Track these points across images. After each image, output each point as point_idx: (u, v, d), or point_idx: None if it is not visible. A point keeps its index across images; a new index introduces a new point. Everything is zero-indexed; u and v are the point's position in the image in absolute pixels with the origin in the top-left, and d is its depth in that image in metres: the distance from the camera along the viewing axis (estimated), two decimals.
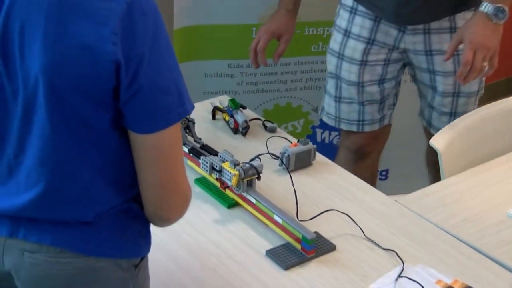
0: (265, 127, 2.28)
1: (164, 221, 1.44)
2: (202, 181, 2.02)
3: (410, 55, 2.48)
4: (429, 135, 2.43)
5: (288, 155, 2.08)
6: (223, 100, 2.34)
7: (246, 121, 2.23)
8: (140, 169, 1.36)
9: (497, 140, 2.34)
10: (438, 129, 2.40)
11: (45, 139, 1.33)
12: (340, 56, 2.53)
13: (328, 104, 2.63)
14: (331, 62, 2.58)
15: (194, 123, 2.11)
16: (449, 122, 2.42)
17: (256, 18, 2.92)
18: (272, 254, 1.79)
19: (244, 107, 2.29)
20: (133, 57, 1.28)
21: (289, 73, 3.05)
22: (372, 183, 2.65)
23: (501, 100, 2.45)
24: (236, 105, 2.26)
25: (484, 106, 2.38)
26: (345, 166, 2.47)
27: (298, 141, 2.13)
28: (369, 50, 2.48)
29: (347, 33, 2.51)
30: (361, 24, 2.47)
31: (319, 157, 2.17)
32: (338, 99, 2.59)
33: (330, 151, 2.62)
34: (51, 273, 1.39)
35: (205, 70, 2.98)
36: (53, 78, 1.29)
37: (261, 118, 2.32)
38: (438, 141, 2.21)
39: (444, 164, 2.18)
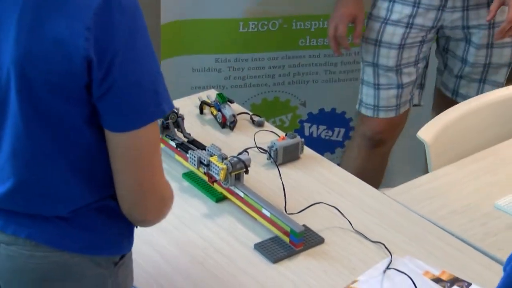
0: (253, 121, 2.28)
1: (141, 222, 1.42)
2: (190, 176, 2.02)
3: (446, 31, 2.59)
4: (448, 106, 2.48)
5: (276, 149, 2.08)
6: (210, 95, 2.33)
7: (233, 115, 2.23)
8: (115, 169, 1.34)
9: (484, 132, 2.35)
10: (466, 97, 2.58)
11: (18, 134, 1.32)
12: (378, 43, 2.59)
13: (366, 94, 2.68)
14: (369, 50, 2.63)
15: (183, 119, 2.10)
16: (478, 89, 2.60)
17: (242, 12, 2.92)
18: (261, 247, 1.79)
19: (231, 101, 2.28)
20: (106, 53, 1.25)
21: (277, 67, 3.05)
22: (382, 172, 2.68)
23: (488, 93, 2.47)
24: (223, 99, 2.26)
25: (472, 98, 2.39)
26: (358, 153, 2.53)
27: (285, 135, 2.13)
28: (408, 34, 2.55)
29: (385, 21, 2.56)
30: (400, 11, 2.53)
31: (307, 150, 2.17)
32: (377, 86, 2.64)
33: (318, 145, 2.62)
34: (26, 266, 1.39)
35: (193, 64, 2.97)
36: (25, 72, 1.27)
37: (248, 112, 2.31)
38: (425, 134, 2.21)
39: (431, 156, 2.18)
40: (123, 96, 1.28)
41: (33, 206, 1.37)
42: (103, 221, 1.40)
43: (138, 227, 1.48)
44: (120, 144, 1.32)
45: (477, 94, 2.67)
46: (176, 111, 2.08)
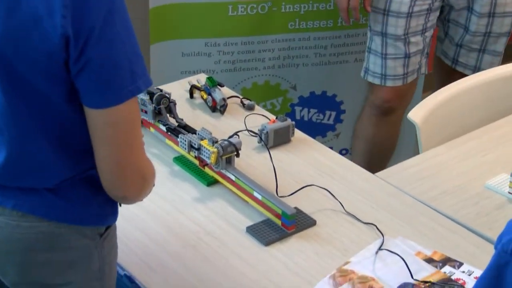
0: (243, 104, 2.27)
1: (121, 199, 1.44)
2: (180, 160, 2.02)
3: (451, 0, 2.64)
4: (449, 76, 2.51)
5: (267, 132, 2.07)
6: (200, 79, 2.33)
7: (224, 99, 2.23)
8: (95, 146, 1.36)
9: (474, 113, 2.35)
10: (465, 66, 2.71)
11: (1, 110, 1.35)
12: (386, 12, 2.63)
13: (374, 63, 2.73)
14: (377, 20, 2.66)
15: (175, 104, 2.09)
16: (477, 58, 2.69)
17: None
18: (252, 230, 1.79)
19: (221, 85, 2.28)
20: (83, 30, 1.27)
21: (267, 50, 3.04)
22: (394, 141, 2.76)
23: (478, 73, 2.47)
24: (213, 83, 2.25)
25: (460, 80, 2.39)
26: (369, 122, 2.57)
27: (276, 118, 2.12)
28: (415, 1, 2.59)
29: None
30: None
31: (298, 133, 2.17)
32: (384, 55, 2.68)
33: (309, 129, 2.62)
34: (12, 236, 1.41)
35: (182, 49, 2.96)
36: (4, 50, 1.30)
37: (239, 95, 2.31)
38: (415, 115, 2.21)
39: (422, 137, 2.19)
40: (98, 73, 1.30)
41: (19, 179, 1.40)
42: (89, 191, 1.42)
43: (122, 205, 1.49)
44: (98, 120, 1.34)
45: (476, 63, 2.72)
46: (168, 96, 2.07)
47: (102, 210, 1.45)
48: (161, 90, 2.08)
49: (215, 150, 1.89)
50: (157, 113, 2.07)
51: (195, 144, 1.95)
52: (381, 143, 2.85)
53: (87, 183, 1.42)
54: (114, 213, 1.48)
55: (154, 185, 1.46)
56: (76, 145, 1.39)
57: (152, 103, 2.05)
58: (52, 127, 1.37)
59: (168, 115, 2.09)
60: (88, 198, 1.43)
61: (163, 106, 2.06)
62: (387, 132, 2.85)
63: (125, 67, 1.31)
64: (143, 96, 2.06)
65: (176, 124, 2.06)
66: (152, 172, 1.44)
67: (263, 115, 2.22)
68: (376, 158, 2.84)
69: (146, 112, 2.06)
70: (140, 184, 1.41)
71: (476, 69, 2.74)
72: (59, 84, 1.32)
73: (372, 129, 2.84)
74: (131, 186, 1.40)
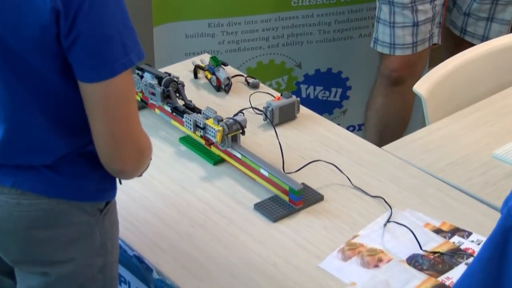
0: (248, 83, 2.27)
1: (119, 173, 1.44)
2: (186, 140, 2.02)
3: None
4: (457, 46, 2.51)
5: (272, 109, 2.07)
6: (204, 59, 2.32)
7: (228, 78, 2.22)
8: (91, 120, 1.37)
9: (479, 83, 2.34)
10: (473, 35, 2.70)
11: None
12: None
13: (383, 33, 2.72)
14: None
15: (183, 85, 2.07)
16: (485, 27, 2.68)
17: None
18: (260, 207, 1.79)
19: (225, 64, 2.27)
20: (72, 4, 1.28)
21: (270, 29, 3.03)
22: (407, 112, 2.79)
23: (484, 43, 2.45)
24: (217, 63, 2.24)
25: (466, 50, 2.37)
26: (380, 92, 2.70)
27: (281, 95, 2.12)
28: None
29: None
30: None
31: (303, 109, 2.16)
32: (392, 24, 2.68)
33: (315, 106, 2.61)
34: (12, 214, 1.41)
35: (185, 30, 2.95)
36: None
37: (243, 74, 2.30)
38: (421, 87, 2.21)
39: (428, 109, 2.18)
40: (89, 47, 1.31)
41: (17, 157, 1.41)
42: (87, 167, 1.43)
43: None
44: (92, 94, 1.34)
45: (484, 32, 2.72)
46: (176, 80, 2.06)
47: (101, 185, 1.46)
48: (169, 74, 2.07)
49: (221, 128, 1.89)
50: (166, 96, 2.06)
51: (200, 123, 1.94)
52: (392, 114, 2.84)
53: (85, 159, 1.43)
54: (113, 189, 1.49)
55: (151, 159, 1.46)
56: (73, 121, 1.40)
57: (161, 86, 2.04)
58: (48, 103, 1.37)
59: (176, 97, 2.08)
60: (86, 173, 1.43)
61: (172, 89, 2.05)
62: (398, 102, 2.84)
63: (116, 40, 1.32)
64: (151, 81, 2.05)
65: (184, 106, 2.05)
66: (149, 145, 1.44)
67: (268, 93, 2.21)
68: (388, 130, 2.83)
69: (154, 94, 2.05)
70: (137, 157, 1.41)
71: (485, 38, 2.72)
72: (52, 59, 1.33)
73: (382, 99, 2.83)
74: (129, 159, 1.40)
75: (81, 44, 1.30)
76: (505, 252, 1.14)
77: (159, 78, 2.06)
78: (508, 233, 1.13)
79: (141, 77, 2.09)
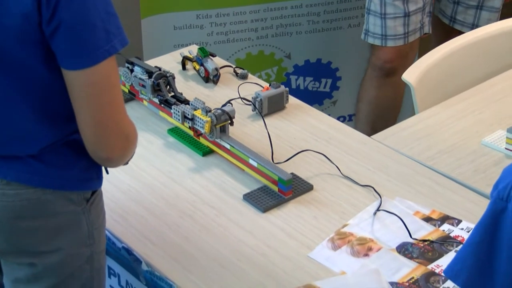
0: (236, 74, 2.26)
1: (106, 161, 1.43)
2: (175, 131, 2.01)
3: None
4: (447, 35, 2.51)
5: (261, 99, 2.06)
6: (192, 50, 2.31)
7: (216, 69, 2.21)
8: (76, 108, 1.36)
9: (468, 71, 2.34)
10: (463, 24, 2.70)
11: None
12: None
13: (374, 24, 2.72)
14: None
15: (174, 78, 2.05)
16: (475, 15, 2.68)
17: None
18: (249, 197, 1.78)
19: (213, 55, 2.26)
20: None
21: (259, 20, 3.02)
22: (398, 102, 2.79)
23: (472, 31, 2.45)
24: (205, 53, 2.24)
25: (454, 38, 2.37)
26: (371, 84, 2.68)
27: (269, 85, 2.11)
28: None
29: None
30: None
31: (292, 99, 2.16)
32: (383, 15, 2.67)
33: (305, 97, 2.60)
34: None
35: (174, 22, 2.94)
36: None
37: (231, 65, 2.29)
38: (410, 76, 2.20)
39: (417, 98, 2.17)
40: (72, 34, 1.30)
41: (3, 147, 1.40)
42: (72, 156, 1.43)
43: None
44: (76, 82, 1.34)
45: (474, 20, 2.72)
46: (166, 74, 2.04)
47: (87, 174, 1.45)
48: (159, 69, 2.05)
49: (209, 119, 1.88)
50: (156, 89, 2.04)
51: (188, 114, 1.93)
52: (384, 105, 2.84)
53: (70, 148, 1.42)
54: (99, 177, 1.49)
55: (136, 147, 1.46)
56: (58, 110, 1.39)
57: (151, 79, 2.02)
58: (32, 93, 1.37)
59: (167, 90, 2.05)
60: (72, 162, 1.43)
61: (162, 81, 2.03)
62: (390, 93, 2.84)
63: (99, 26, 1.31)
64: (141, 75, 2.03)
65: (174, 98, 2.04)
66: (135, 132, 1.44)
67: (256, 83, 2.20)
68: (380, 121, 2.83)
69: (144, 86, 2.04)
70: (123, 144, 1.41)
71: (474, 26, 2.72)
72: (34, 47, 1.32)
73: (374, 91, 2.83)
74: (115, 146, 1.40)
75: (64, 31, 1.30)
76: (495, 235, 1.14)
77: (149, 73, 2.04)
78: (498, 216, 1.13)
79: (131, 70, 2.08)
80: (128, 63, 2.10)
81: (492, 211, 1.14)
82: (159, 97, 2.03)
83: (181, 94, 2.04)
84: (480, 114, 2.10)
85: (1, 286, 1.56)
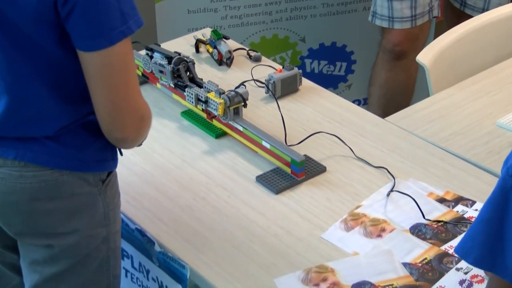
0: (250, 56, 2.25)
1: (121, 142, 1.44)
2: (188, 114, 2.01)
3: None
4: (458, 19, 2.49)
5: (274, 82, 2.06)
6: (206, 33, 2.31)
7: (229, 52, 2.21)
8: (91, 89, 1.37)
9: (483, 53, 2.32)
10: (473, 8, 2.68)
11: None
12: None
13: (381, 6, 2.71)
14: None
15: (194, 63, 2.03)
16: (485, 0, 2.67)
17: None
18: (262, 179, 1.78)
19: (227, 38, 2.26)
20: None
21: (273, 3, 3.01)
22: (410, 86, 2.76)
23: (486, 12, 2.43)
24: (218, 36, 2.23)
25: (469, 20, 2.35)
26: (382, 67, 2.68)
27: (283, 67, 2.11)
28: None
29: None
30: None
31: (306, 82, 2.15)
32: None
33: (320, 81, 2.58)
34: (16, 187, 1.42)
35: (188, 6, 2.94)
36: None
37: (245, 48, 2.29)
38: (425, 58, 2.19)
39: (432, 79, 2.16)
40: (87, 16, 1.31)
41: (20, 129, 1.41)
42: (88, 137, 1.44)
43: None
44: (91, 63, 1.34)
45: (484, 5, 2.70)
46: (186, 59, 2.02)
47: (102, 155, 1.46)
48: (179, 54, 2.03)
49: (222, 101, 1.88)
50: (177, 75, 2.02)
51: (202, 96, 1.93)
52: (396, 89, 2.83)
53: (86, 129, 1.43)
54: (114, 159, 1.49)
55: (150, 128, 1.46)
56: (73, 91, 1.40)
57: (171, 65, 2.00)
58: (48, 74, 1.37)
59: (187, 76, 2.02)
60: (88, 144, 1.44)
61: (181, 66, 2.01)
62: (401, 77, 2.83)
63: (114, 7, 1.31)
64: (161, 61, 2.02)
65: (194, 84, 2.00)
66: (149, 112, 1.44)
67: (270, 66, 2.20)
68: (391, 104, 2.82)
69: (164, 73, 2.02)
70: (138, 124, 1.41)
71: (484, 11, 2.70)
72: (50, 28, 1.32)
73: (385, 74, 2.81)
74: (130, 126, 1.40)
75: (79, 12, 1.30)
76: (505, 212, 1.13)
77: (169, 58, 2.03)
78: (508, 193, 1.12)
79: (151, 57, 2.07)
80: (147, 49, 2.08)
81: (502, 188, 1.14)
82: (179, 83, 2.01)
83: (201, 79, 2.02)
84: (495, 96, 2.09)
85: (18, 268, 1.57)
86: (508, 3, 2.70)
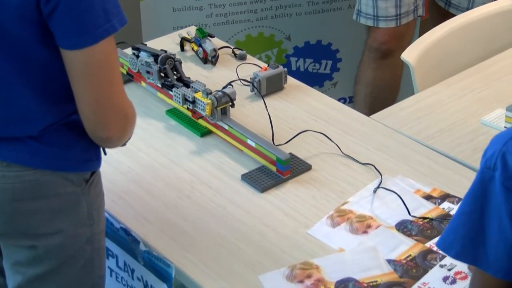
0: (235, 54, 2.25)
1: (105, 141, 1.43)
2: (173, 112, 2.00)
3: None
4: (443, 19, 2.50)
5: (259, 80, 2.05)
6: (190, 31, 2.30)
7: (214, 50, 2.20)
8: (75, 88, 1.36)
9: (467, 51, 2.33)
10: (457, 8, 2.69)
11: None
12: None
13: (366, 4, 2.71)
14: None
15: (180, 62, 2.03)
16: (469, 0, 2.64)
17: None
18: (248, 177, 1.78)
19: (212, 36, 2.25)
20: None
21: (259, 1, 3.00)
22: (396, 84, 2.77)
23: (471, 10, 2.44)
24: (203, 34, 2.22)
25: (453, 18, 2.36)
26: (368, 65, 2.66)
27: (268, 66, 2.10)
28: None
29: None
30: None
31: (291, 80, 2.15)
32: None
33: (305, 79, 2.59)
34: None
35: (173, 4, 2.93)
36: None
37: (230, 46, 2.28)
38: (409, 55, 2.19)
39: (417, 77, 2.16)
40: (70, 14, 1.30)
41: (3, 129, 1.40)
42: (72, 137, 1.42)
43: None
44: (75, 61, 1.33)
45: (468, 5, 2.70)
46: (173, 56, 2.01)
47: (86, 155, 1.45)
48: (165, 51, 2.02)
49: (210, 101, 1.87)
50: (163, 75, 2.01)
51: (189, 97, 1.92)
52: (382, 87, 2.83)
53: (70, 129, 1.42)
54: (98, 158, 1.48)
55: (134, 127, 1.45)
56: (57, 90, 1.39)
57: (157, 64, 2.00)
58: (31, 73, 1.36)
59: (174, 75, 2.01)
60: (71, 143, 1.43)
61: (168, 67, 2.00)
62: (387, 75, 2.83)
63: (98, 5, 1.30)
64: (147, 59, 2.01)
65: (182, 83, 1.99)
66: (133, 111, 1.43)
67: (255, 64, 2.19)
68: (377, 103, 2.82)
69: (151, 73, 2.01)
70: (122, 123, 1.40)
71: (469, 10, 2.70)
72: (33, 27, 1.31)
73: (371, 73, 2.81)
74: (114, 125, 1.39)
75: (62, 10, 1.29)
76: (485, 205, 1.13)
77: (155, 56, 2.02)
78: (487, 185, 1.13)
79: (137, 56, 2.06)
80: (133, 49, 2.07)
81: (481, 180, 1.14)
82: (167, 82, 2.00)
83: (189, 78, 2.01)
84: (480, 93, 2.09)
85: (1, 269, 1.56)
86: (492, 1, 2.71)
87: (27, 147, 1.39)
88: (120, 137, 1.43)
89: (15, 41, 1.33)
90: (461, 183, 1.76)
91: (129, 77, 2.11)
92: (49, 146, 1.41)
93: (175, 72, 2.02)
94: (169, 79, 2.00)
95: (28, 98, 1.37)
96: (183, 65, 2.19)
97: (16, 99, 1.37)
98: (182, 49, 2.27)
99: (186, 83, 1.97)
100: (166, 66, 2.00)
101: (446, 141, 1.91)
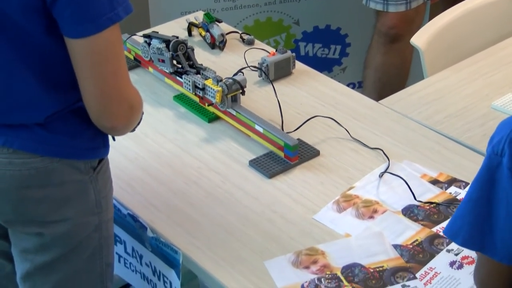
0: (243, 40, 2.24)
1: (110, 130, 1.42)
2: (180, 98, 1.99)
3: None
4: (454, 2, 2.48)
5: (267, 65, 2.04)
6: (198, 16, 2.29)
7: (222, 35, 2.19)
8: (79, 77, 1.35)
9: (478, 35, 2.30)
10: None
11: None
12: None
13: None
14: None
15: (193, 49, 2.01)
16: None
17: None
18: (255, 163, 1.77)
19: (219, 21, 2.24)
20: None
21: None
22: (405, 69, 2.74)
23: None
24: (211, 19, 2.21)
25: (463, 2, 2.33)
26: (377, 50, 2.65)
27: (276, 50, 2.09)
28: None
29: None
30: None
31: (299, 65, 2.13)
32: None
33: (314, 64, 2.57)
34: (4, 174, 1.40)
35: None
36: None
37: (238, 31, 2.27)
38: (419, 40, 2.17)
39: (426, 62, 2.15)
40: (73, 2, 1.29)
41: (9, 116, 1.39)
42: (79, 124, 1.42)
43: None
44: (79, 50, 1.32)
45: None
46: (185, 42, 1.99)
47: (93, 142, 1.45)
48: (177, 37, 2.00)
49: (220, 88, 1.85)
50: (177, 61, 1.99)
51: (199, 84, 1.91)
52: (391, 72, 2.81)
53: (76, 116, 1.41)
54: (106, 146, 1.48)
55: (143, 113, 1.45)
56: (62, 78, 1.38)
57: (169, 51, 1.98)
58: (35, 61, 1.35)
59: (186, 62, 1.98)
60: (78, 131, 1.42)
61: (181, 53, 1.99)
62: (397, 60, 2.81)
63: None
64: (159, 45, 1.99)
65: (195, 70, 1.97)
66: (139, 100, 1.42)
67: (263, 49, 2.18)
68: (386, 88, 2.80)
69: (163, 61, 2.00)
70: (127, 112, 1.39)
71: None
72: (36, 15, 1.30)
73: (380, 58, 2.79)
74: (118, 115, 1.38)
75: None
76: (492, 191, 1.12)
77: (167, 42, 2.00)
78: (494, 172, 1.12)
79: (149, 44, 2.04)
80: (145, 37, 2.05)
81: (488, 166, 1.13)
82: (180, 69, 1.98)
83: (201, 65, 1.98)
84: (490, 78, 2.07)
85: (10, 256, 1.56)
86: None
87: (34, 135, 1.39)
88: (125, 126, 1.42)
89: (20, 29, 1.32)
90: (470, 168, 1.75)
91: (137, 63, 2.10)
92: (56, 133, 1.40)
93: (187, 59, 2.00)
94: (181, 66, 1.98)
95: (33, 85, 1.37)
96: None
97: (21, 86, 1.37)
98: (190, 34, 2.26)
99: (198, 70, 1.96)
100: (179, 52, 1.98)
101: (455, 126, 1.90)
